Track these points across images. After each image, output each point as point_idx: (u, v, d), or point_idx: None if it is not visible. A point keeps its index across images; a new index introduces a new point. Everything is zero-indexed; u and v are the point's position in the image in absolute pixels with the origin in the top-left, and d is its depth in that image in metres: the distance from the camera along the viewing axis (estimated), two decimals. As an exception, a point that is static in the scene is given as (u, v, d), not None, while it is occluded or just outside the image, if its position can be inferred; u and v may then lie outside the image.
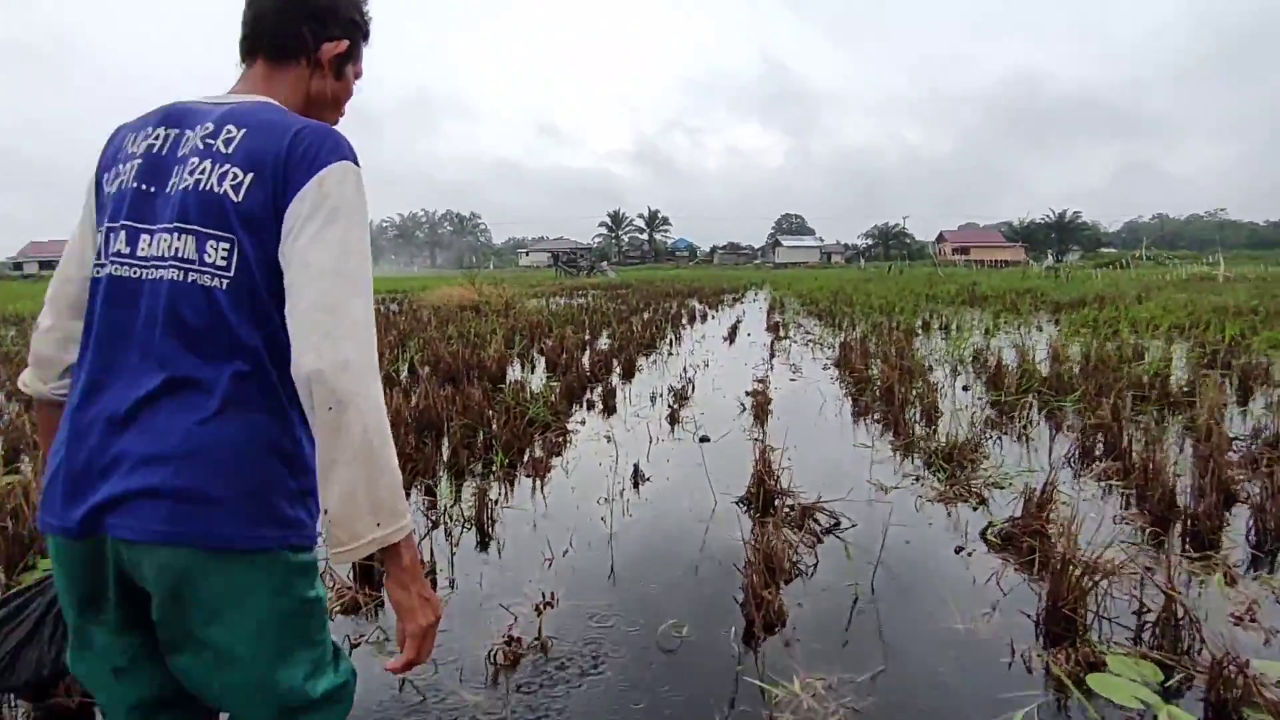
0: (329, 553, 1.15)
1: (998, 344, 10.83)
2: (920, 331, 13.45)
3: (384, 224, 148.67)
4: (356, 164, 1.23)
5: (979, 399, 7.24)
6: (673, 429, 6.37)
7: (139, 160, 1.25)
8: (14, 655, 1.35)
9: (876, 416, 6.59)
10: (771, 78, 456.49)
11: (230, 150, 1.20)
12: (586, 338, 13.24)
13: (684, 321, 16.89)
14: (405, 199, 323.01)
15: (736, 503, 4.38)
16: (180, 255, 1.18)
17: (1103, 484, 4.58)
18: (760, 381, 8.48)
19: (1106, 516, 4.04)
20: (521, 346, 10.95)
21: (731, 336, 13.46)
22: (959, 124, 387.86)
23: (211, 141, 1.21)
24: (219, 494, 1.13)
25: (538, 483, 4.88)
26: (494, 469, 5.06)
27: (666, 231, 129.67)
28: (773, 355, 10.65)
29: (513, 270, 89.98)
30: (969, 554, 3.62)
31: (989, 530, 3.87)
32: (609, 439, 5.89)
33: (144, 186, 1.24)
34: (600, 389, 8.04)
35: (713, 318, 18.54)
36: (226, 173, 1.18)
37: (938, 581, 3.32)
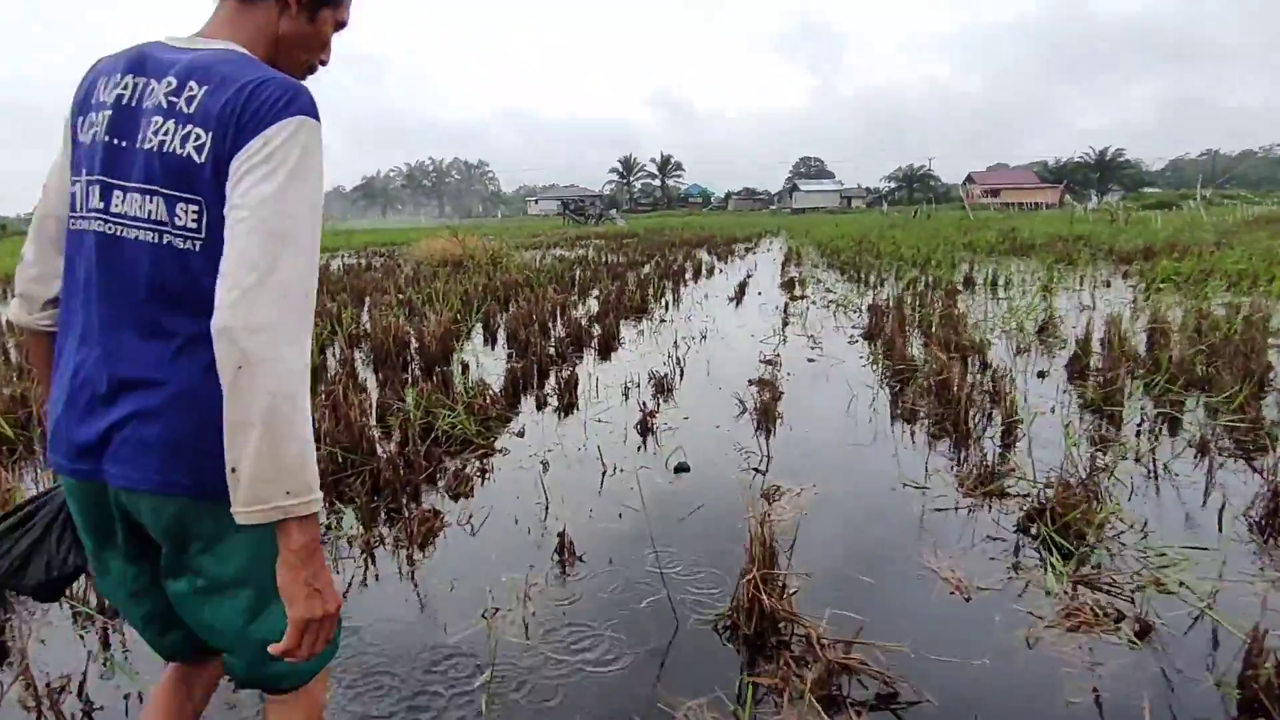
0: (232, 510, 1.13)
1: (1062, 306, 8.91)
2: (962, 288, 11.52)
3: (391, 173, 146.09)
4: (315, 118, 1.21)
5: (1063, 392, 5.41)
6: (643, 442, 4.59)
7: (109, 111, 1.25)
8: (25, 558, 1.42)
9: (927, 425, 4.78)
10: (791, 14, 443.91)
11: (191, 110, 1.19)
12: (570, 299, 11.42)
13: (687, 277, 15.01)
14: (413, 147, 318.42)
15: (714, 628, 2.60)
16: (153, 217, 1.20)
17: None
18: (769, 362, 6.66)
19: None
20: (481, 314, 9.13)
21: (739, 296, 11.59)
22: (990, 58, 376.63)
23: (175, 100, 1.21)
24: (206, 445, 1.15)
25: (408, 562, 3.13)
26: (353, 534, 3.32)
27: (680, 177, 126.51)
28: (786, 323, 8.81)
29: (521, 219, 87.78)
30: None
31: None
32: (544, 469, 4.12)
33: (114, 140, 1.24)
34: (564, 375, 6.27)
35: (721, 271, 16.64)
36: (189, 134, 1.18)
37: None
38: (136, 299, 1.21)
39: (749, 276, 14.63)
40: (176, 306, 1.20)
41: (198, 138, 1.18)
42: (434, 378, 5.41)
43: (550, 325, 8.73)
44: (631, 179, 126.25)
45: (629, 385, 5.90)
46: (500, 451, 4.43)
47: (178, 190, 1.19)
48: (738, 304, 10.97)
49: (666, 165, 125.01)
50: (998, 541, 3.15)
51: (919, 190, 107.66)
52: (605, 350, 7.57)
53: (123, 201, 1.22)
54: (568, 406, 5.41)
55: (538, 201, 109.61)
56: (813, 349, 7.34)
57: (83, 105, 1.30)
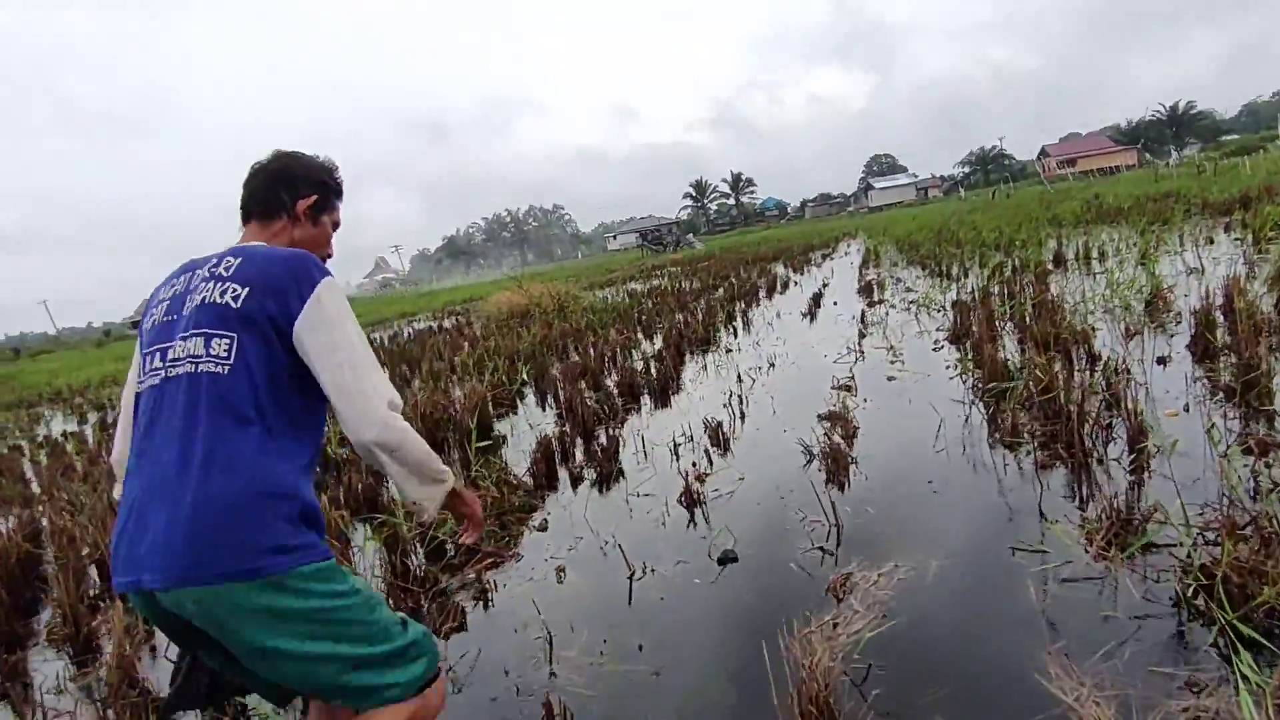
0: (421, 520, 2.19)
1: (1167, 273, 7.74)
2: (1052, 266, 10.36)
3: (470, 229, 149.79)
4: (331, 275, 1.66)
5: (1193, 380, 4.42)
6: (690, 518, 3.86)
7: (166, 302, 1.68)
8: (208, 686, 1.70)
9: (1033, 450, 3.89)
10: (842, 18, 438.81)
11: (230, 273, 1.61)
12: (633, 339, 10.78)
13: (761, 294, 14.21)
14: (489, 203, 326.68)
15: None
16: (192, 353, 1.56)
17: None
18: (843, 387, 5.83)
19: None
20: (530, 372, 8.55)
21: (813, 310, 10.72)
22: (1046, 32, 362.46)
23: (215, 269, 1.63)
24: (228, 539, 1.44)
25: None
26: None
27: (753, 193, 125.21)
28: (863, 334, 7.91)
29: (601, 256, 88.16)
30: None
31: None
32: (560, 578, 3.43)
33: (169, 318, 1.65)
34: (608, 435, 5.60)
35: (796, 284, 15.74)
36: (227, 288, 1.58)
37: None
38: (172, 421, 1.52)
39: (824, 286, 13.71)
40: (200, 420, 1.50)
41: (234, 290, 1.56)
42: (460, 461, 4.82)
43: (605, 374, 8.09)
44: (706, 201, 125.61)
45: (680, 441, 5.18)
46: (513, 557, 3.77)
47: (214, 328, 1.54)
48: (811, 319, 10.11)
49: (739, 183, 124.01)
50: (1152, 632, 2.29)
51: (994, 171, 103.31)
52: (663, 396, 6.86)
53: (174, 352, 1.57)
54: (606, 478, 4.72)
55: (615, 237, 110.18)
56: (893, 363, 6.46)
57: (146, 312, 1.72)
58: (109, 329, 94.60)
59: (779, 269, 20.02)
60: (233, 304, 1.55)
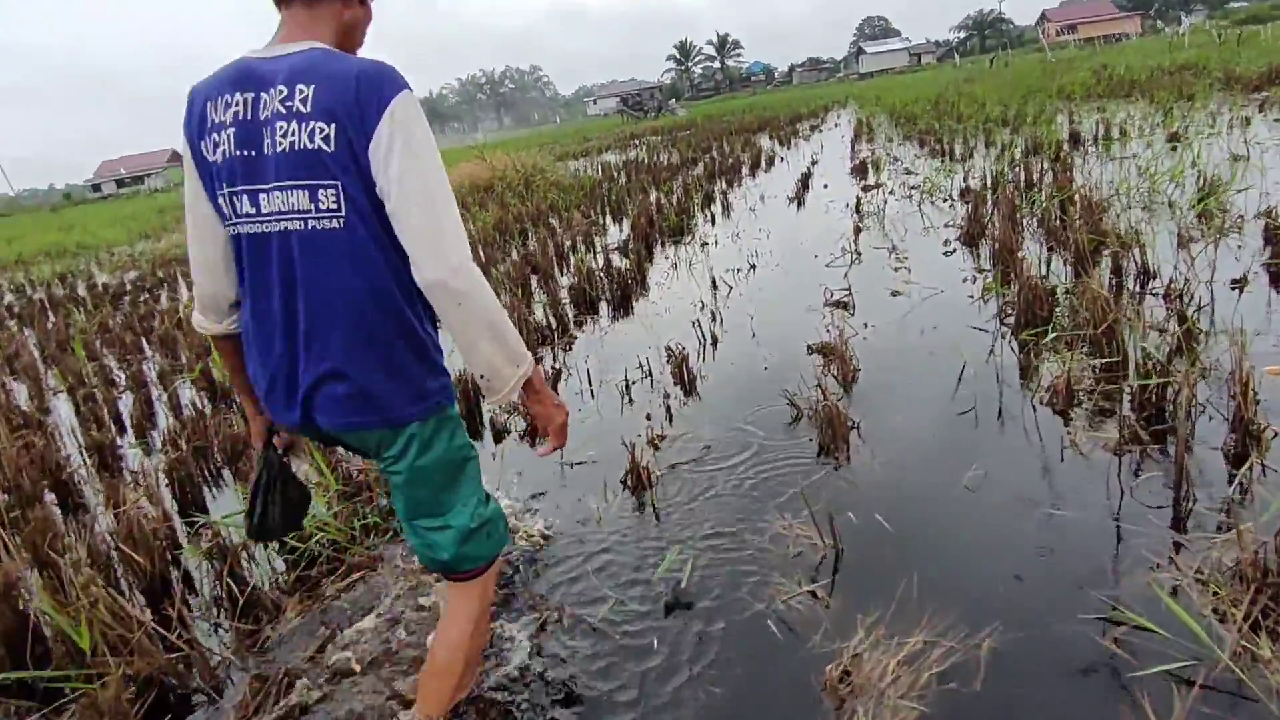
0: (489, 401, 1.58)
1: (1208, 160, 6.61)
2: (1069, 146, 9.16)
3: (444, 91, 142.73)
4: (409, 87, 1.45)
5: (1299, 321, 3.44)
6: (635, 507, 2.90)
7: (232, 129, 1.46)
8: (280, 513, 1.85)
9: (1092, 421, 2.93)
10: None
11: (309, 109, 1.41)
12: (601, 221, 9.61)
13: (743, 172, 12.93)
14: (466, 62, 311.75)
15: None
16: (298, 208, 1.44)
17: None
18: (838, 304, 4.81)
19: None
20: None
21: (801, 193, 9.53)
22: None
23: (290, 103, 1.42)
24: (380, 390, 1.50)
25: None
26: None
27: (739, 56, 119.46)
28: (859, 229, 6.81)
29: (580, 122, 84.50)
30: None
31: None
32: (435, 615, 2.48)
33: (246, 153, 1.46)
34: (551, 363, 4.61)
35: (782, 159, 14.41)
36: (314, 129, 1.40)
37: None
38: (293, 278, 1.48)
39: (813, 164, 12.42)
40: (325, 278, 1.47)
41: (323, 131, 1.41)
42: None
43: (564, 270, 7.00)
44: (690, 65, 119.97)
45: (634, 377, 4.17)
46: (377, 565, 2.81)
47: (317, 179, 1.43)
48: (799, 205, 8.95)
49: (724, 45, 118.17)
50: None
51: (991, 37, 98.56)
52: (623, 305, 5.81)
53: (269, 201, 1.46)
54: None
55: (596, 101, 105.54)
56: (896, 270, 5.41)
57: (199, 130, 1.51)
58: (69, 192, 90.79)
59: (764, 141, 18.52)
60: (325, 147, 1.41)
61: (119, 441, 4.56)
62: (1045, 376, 3.31)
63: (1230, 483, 2.36)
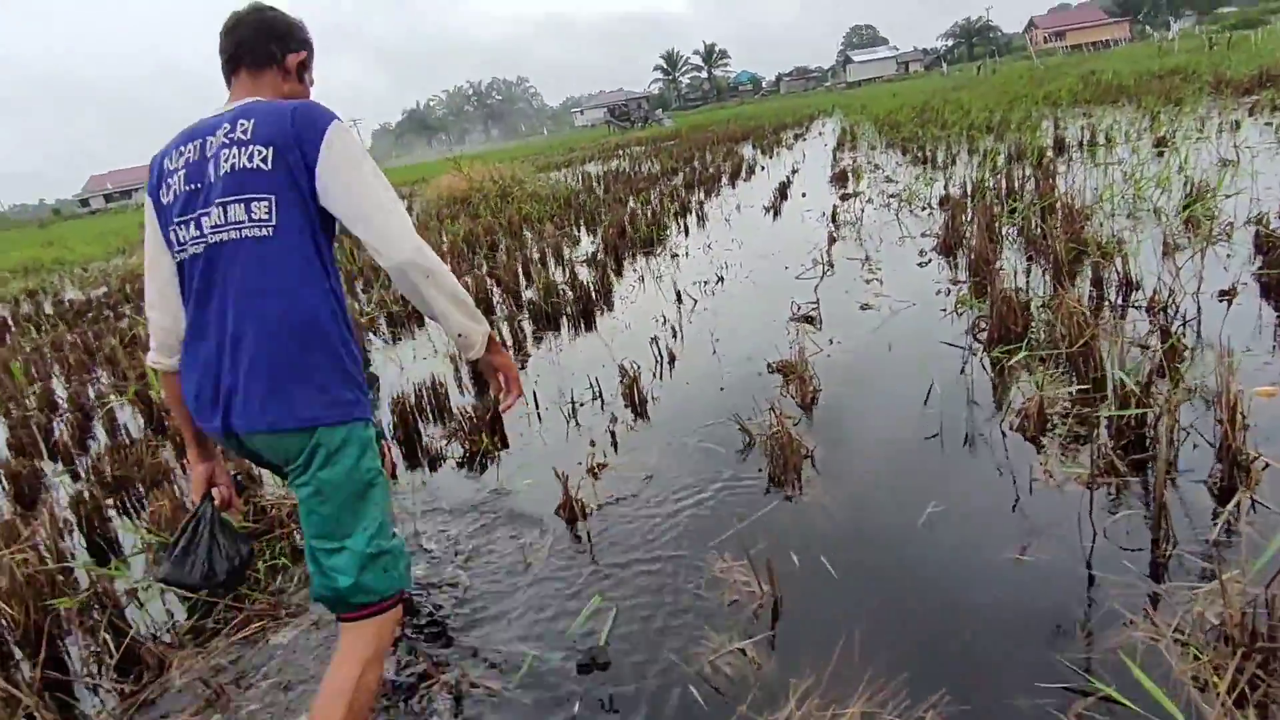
0: (466, 358, 1.76)
1: (1194, 165, 6.40)
2: (1053, 155, 8.97)
3: (430, 104, 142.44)
4: (338, 118, 1.64)
5: (1273, 326, 3.21)
6: (570, 542, 2.64)
7: (182, 171, 1.65)
8: (209, 561, 1.79)
9: (1069, 432, 2.68)
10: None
11: (249, 136, 1.59)
12: (573, 232, 9.37)
13: (723, 182, 12.71)
14: (453, 73, 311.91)
15: None
16: (234, 220, 1.58)
17: None
18: (804, 318, 4.57)
19: None
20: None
21: (778, 203, 9.31)
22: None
23: (233, 134, 1.60)
24: (295, 391, 1.55)
25: None
26: None
27: (726, 66, 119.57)
28: (834, 239, 6.58)
29: (566, 134, 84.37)
30: None
31: None
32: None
33: (194, 186, 1.63)
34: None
35: (763, 169, 14.20)
36: (253, 152, 1.58)
37: None
38: (228, 287, 1.58)
39: (793, 172, 12.22)
40: (256, 283, 1.57)
41: (260, 153, 1.58)
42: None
43: (532, 281, 6.74)
44: (677, 74, 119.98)
45: (584, 399, 3.92)
46: (281, 613, 2.54)
47: (252, 193, 1.58)
48: (775, 214, 8.72)
49: (712, 55, 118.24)
50: None
51: (979, 44, 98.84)
52: (585, 320, 5.56)
53: (210, 220, 1.60)
54: (473, 458, 3.48)
55: (583, 112, 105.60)
56: (869, 281, 5.17)
57: (158, 182, 1.71)
58: (59, 206, 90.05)
59: (746, 151, 18.36)
60: (263, 166, 1.57)
61: (42, 469, 4.28)
62: (1017, 398, 3.06)
63: (1215, 521, 2.11)
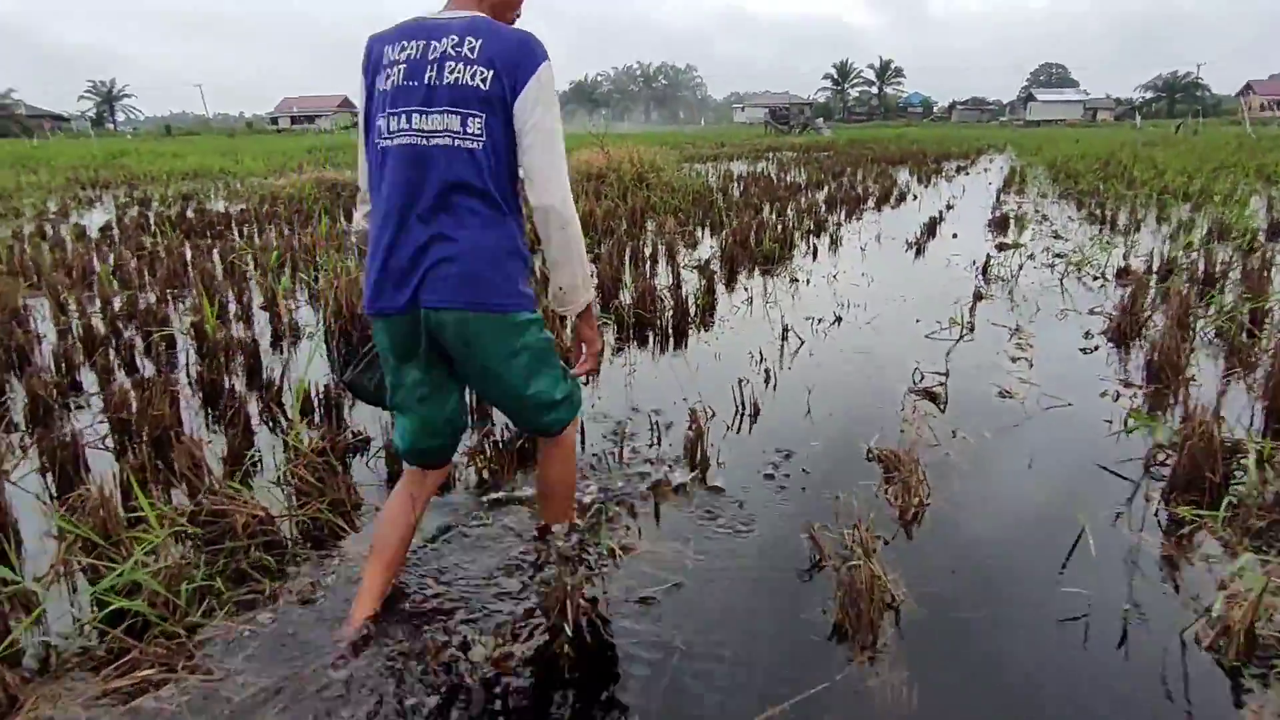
0: (559, 309, 1.97)
1: None
2: (1265, 238, 7.62)
3: (598, 77, 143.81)
4: (549, 59, 1.81)
5: None
6: (547, 671, 1.95)
7: (403, 65, 1.81)
8: (377, 379, 2.12)
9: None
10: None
11: (475, 55, 1.76)
12: (694, 234, 8.66)
13: (869, 204, 11.71)
14: (628, 52, 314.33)
15: None
16: (450, 129, 1.77)
17: None
18: (925, 393, 3.73)
19: None
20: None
21: (924, 240, 8.32)
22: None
23: (460, 49, 1.77)
24: (488, 276, 1.80)
25: None
26: None
27: (899, 85, 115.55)
28: (980, 296, 5.64)
29: (723, 127, 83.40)
30: None
31: None
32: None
33: (410, 83, 1.79)
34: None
35: (915, 197, 13.06)
36: (476, 71, 1.75)
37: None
38: (439, 184, 1.77)
39: (948, 208, 11.10)
40: (462, 187, 1.78)
41: (483, 74, 1.75)
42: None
43: (638, 280, 6.08)
44: (847, 86, 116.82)
45: (640, 440, 3.22)
46: (178, 663, 1.95)
47: (469, 109, 1.76)
48: (918, 253, 7.76)
49: (885, 71, 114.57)
50: None
51: (1182, 101, 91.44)
52: (677, 334, 4.87)
53: (426, 121, 1.78)
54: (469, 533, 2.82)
55: (744, 109, 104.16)
56: (1015, 360, 4.26)
57: (376, 67, 1.87)
58: (251, 121, 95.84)
59: (902, 175, 17.12)
60: (482, 86, 1.75)
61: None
62: (1206, 585, 2.18)
63: None
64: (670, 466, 3.00)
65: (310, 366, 3.61)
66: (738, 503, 2.76)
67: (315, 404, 3.56)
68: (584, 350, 2.07)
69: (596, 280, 5.97)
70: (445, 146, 1.76)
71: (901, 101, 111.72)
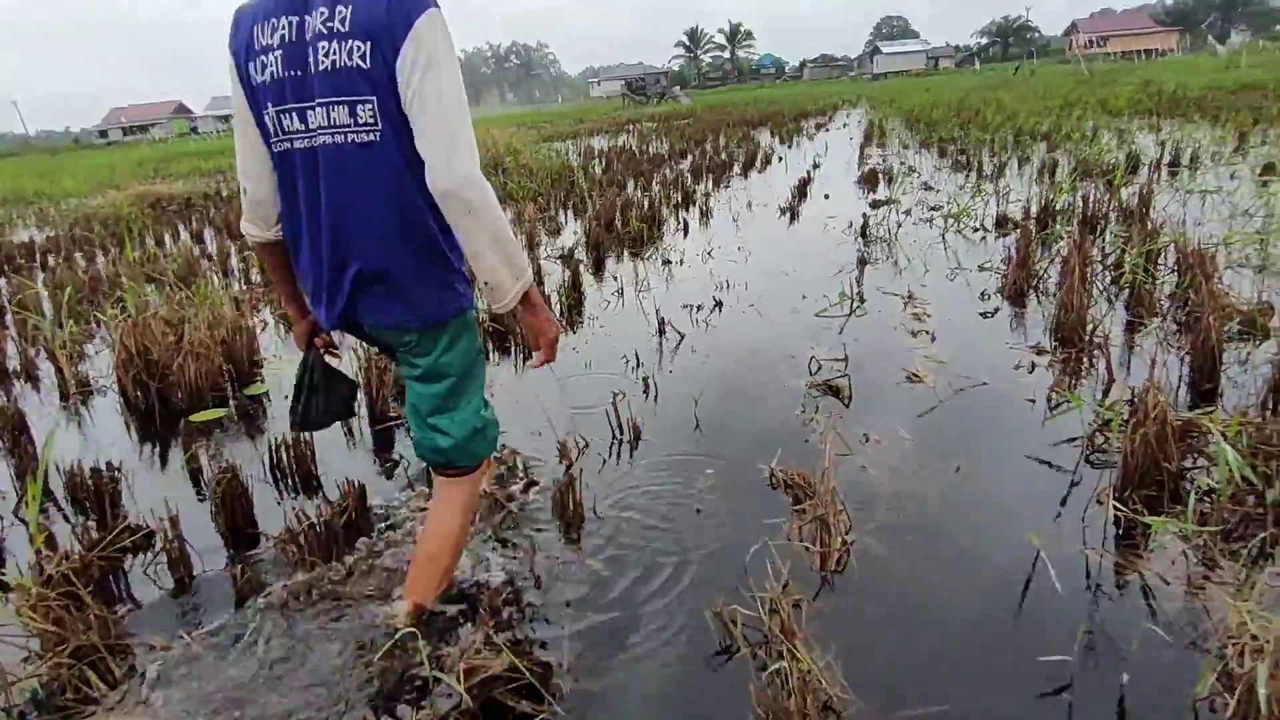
0: (492, 308, 1.69)
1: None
2: (1127, 174, 7.58)
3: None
4: (437, 6, 1.52)
5: None
6: None
7: (279, 51, 1.55)
8: (327, 404, 2.03)
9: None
10: None
11: (347, 27, 1.49)
12: (556, 218, 8.03)
13: (735, 170, 11.33)
14: (475, 34, 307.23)
15: None
16: (338, 123, 1.53)
17: None
18: (827, 387, 3.26)
19: None
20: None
21: (796, 204, 7.94)
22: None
23: (330, 24, 1.50)
24: (417, 292, 1.65)
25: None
26: None
27: (750, 48, 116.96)
28: (864, 260, 5.26)
29: (580, 103, 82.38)
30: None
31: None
32: None
33: (294, 73, 1.54)
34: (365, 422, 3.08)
35: (780, 159, 12.78)
36: (352, 48, 1.49)
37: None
38: (338, 189, 1.57)
39: (815, 167, 10.82)
40: (365, 188, 1.56)
41: (359, 49, 1.48)
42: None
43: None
44: (699, 53, 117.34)
45: (495, 490, 2.61)
46: None
47: (356, 94, 1.51)
48: (793, 218, 7.37)
49: (735, 35, 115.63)
50: None
51: (1015, 45, 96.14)
52: (527, 349, 4.24)
53: (315, 117, 1.54)
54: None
55: (600, 83, 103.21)
56: (915, 334, 3.86)
57: (248, 51, 1.59)
58: (78, 136, 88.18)
59: (764, 137, 16.88)
60: (362, 64, 1.49)
61: None
62: (1196, 616, 1.76)
63: None
64: (534, 535, 2.40)
65: (77, 438, 2.82)
66: (617, 568, 2.20)
67: (84, 488, 2.78)
68: (536, 344, 1.82)
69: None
70: (339, 145, 1.56)
71: (754, 64, 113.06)
